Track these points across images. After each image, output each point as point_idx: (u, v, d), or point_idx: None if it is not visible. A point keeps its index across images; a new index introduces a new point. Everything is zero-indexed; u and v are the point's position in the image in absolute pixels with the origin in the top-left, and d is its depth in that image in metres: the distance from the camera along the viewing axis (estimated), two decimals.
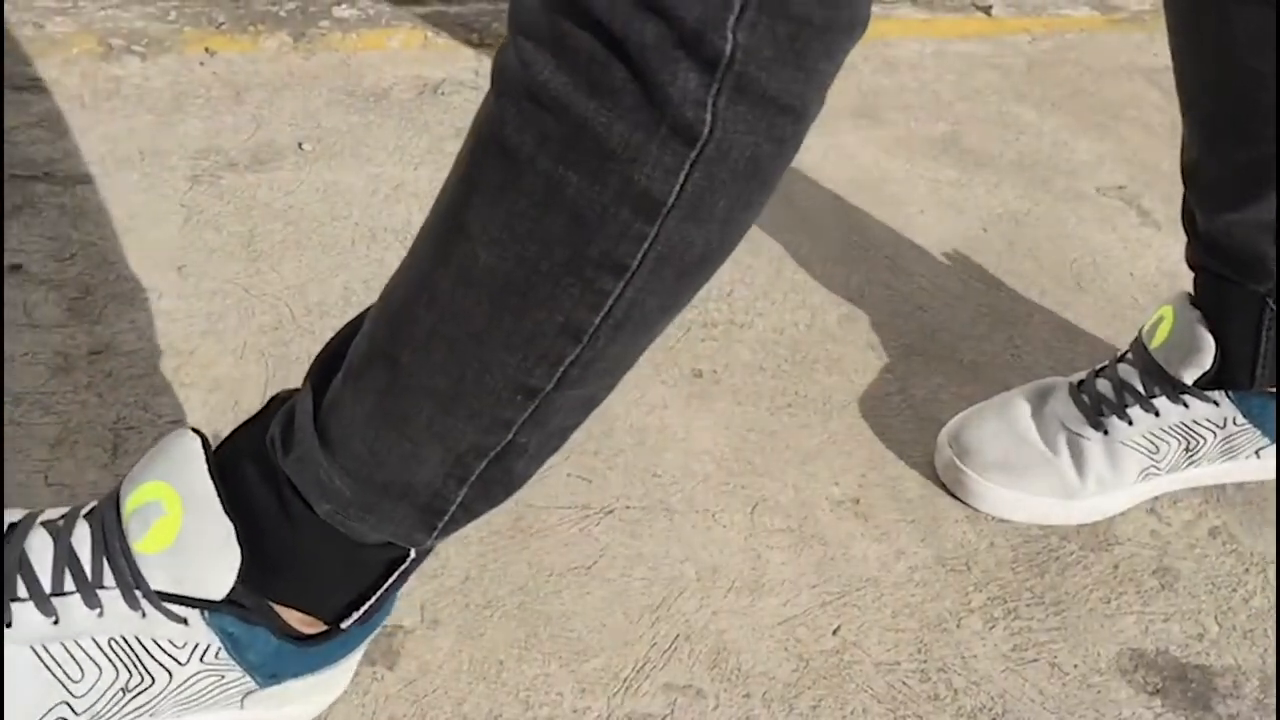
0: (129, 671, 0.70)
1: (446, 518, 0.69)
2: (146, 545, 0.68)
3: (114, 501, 0.71)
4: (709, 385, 1.11)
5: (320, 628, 0.74)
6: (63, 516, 0.72)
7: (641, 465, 1.02)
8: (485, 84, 1.54)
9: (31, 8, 1.44)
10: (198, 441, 0.70)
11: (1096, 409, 1.02)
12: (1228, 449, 1.03)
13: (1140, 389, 1.01)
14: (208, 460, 0.69)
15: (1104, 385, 1.03)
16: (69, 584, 0.69)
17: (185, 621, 0.69)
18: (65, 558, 0.69)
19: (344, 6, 1.54)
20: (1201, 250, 1.01)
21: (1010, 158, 1.52)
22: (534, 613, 0.89)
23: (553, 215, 0.57)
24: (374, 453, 0.66)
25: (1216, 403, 1.01)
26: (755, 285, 1.24)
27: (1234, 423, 1.02)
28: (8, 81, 1.31)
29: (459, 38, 1.55)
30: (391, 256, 1.19)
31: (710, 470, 1.03)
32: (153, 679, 0.71)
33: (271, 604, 0.71)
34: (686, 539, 0.96)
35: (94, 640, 0.69)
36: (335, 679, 0.78)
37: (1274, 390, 1.01)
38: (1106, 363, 1.06)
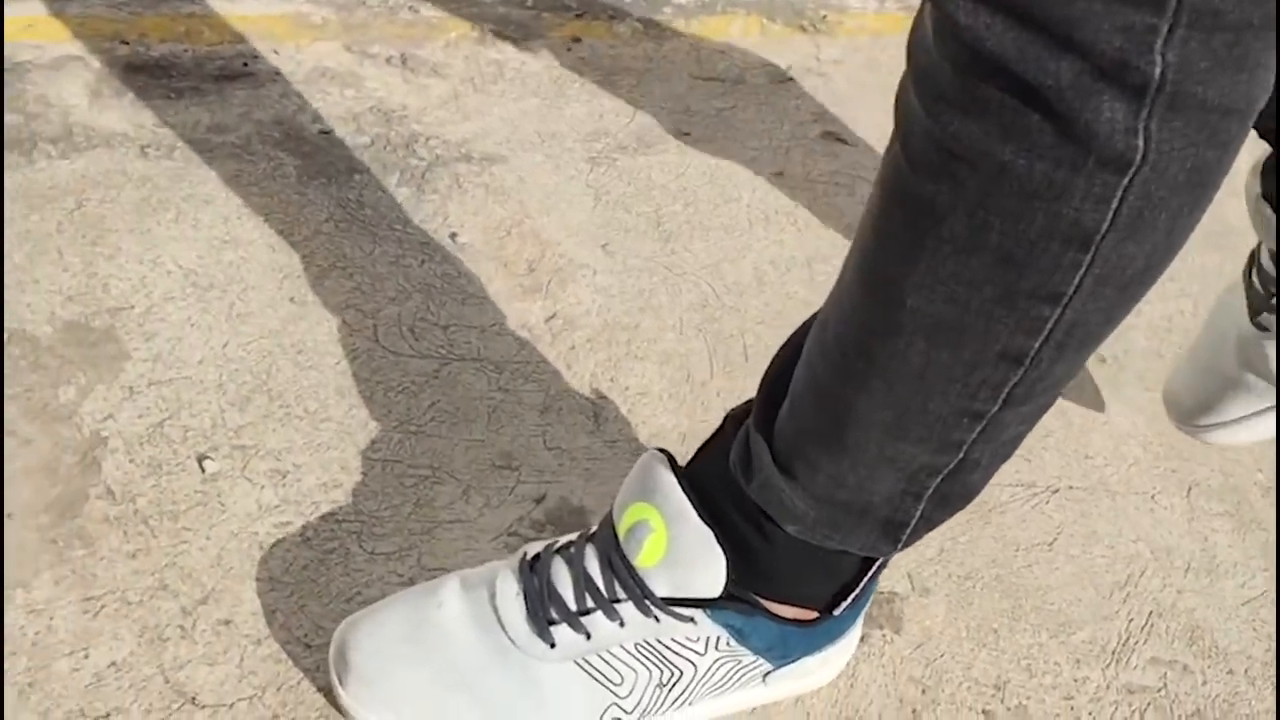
0: (660, 669, 0.77)
1: (909, 530, 0.72)
2: (644, 560, 0.74)
3: (610, 524, 0.77)
4: (1115, 371, 1.14)
5: (814, 614, 0.79)
6: (572, 543, 0.79)
7: (1072, 447, 1.06)
8: (828, 70, 1.57)
9: None
10: (666, 462, 0.76)
11: (1255, 309, 0.98)
12: None
13: (1275, 275, 0.95)
14: (678, 477, 0.75)
15: (1255, 276, 0.99)
16: (590, 602, 0.76)
17: (693, 620, 0.75)
18: (582, 580, 0.76)
19: None
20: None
21: None
22: (1012, 585, 0.94)
23: (977, 258, 0.58)
24: (831, 478, 0.70)
25: None
26: None
27: None
28: (404, 63, 1.38)
29: (792, 25, 1.59)
30: (788, 239, 1.23)
31: (1138, 454, 1.06)
32: (680, 671, 0.77)
33: (764, 601, 0.77)
34: (1133, 519, 1.00)
35: (623, 647, 0.76)
36: (844, 646, 0.84)
37: None
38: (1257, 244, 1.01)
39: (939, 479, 0.69)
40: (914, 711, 0.84)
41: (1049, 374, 0.63)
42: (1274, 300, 0.93)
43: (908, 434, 0.67)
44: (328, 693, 0.79)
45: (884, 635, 0.89)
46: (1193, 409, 1.02)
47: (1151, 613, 0.93)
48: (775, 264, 1.20)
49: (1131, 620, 0.92)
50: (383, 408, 0.98)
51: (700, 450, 0.78)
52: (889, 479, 0.69)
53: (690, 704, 0.78)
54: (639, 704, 0.77)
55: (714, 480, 0.75)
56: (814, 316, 0.74)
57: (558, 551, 0.78)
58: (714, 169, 1.32)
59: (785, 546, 0.74)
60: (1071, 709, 0.86)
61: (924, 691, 0.86)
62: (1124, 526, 0.99)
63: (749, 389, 1.06)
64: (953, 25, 0.54)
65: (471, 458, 0.96)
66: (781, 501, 0.72)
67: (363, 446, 0.95)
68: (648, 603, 0.75)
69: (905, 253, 0.61)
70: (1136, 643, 0.91)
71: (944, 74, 0.55)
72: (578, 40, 1.48)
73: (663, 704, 0.77)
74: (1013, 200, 0.56)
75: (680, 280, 1.16)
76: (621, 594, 0.75)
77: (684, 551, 0.73)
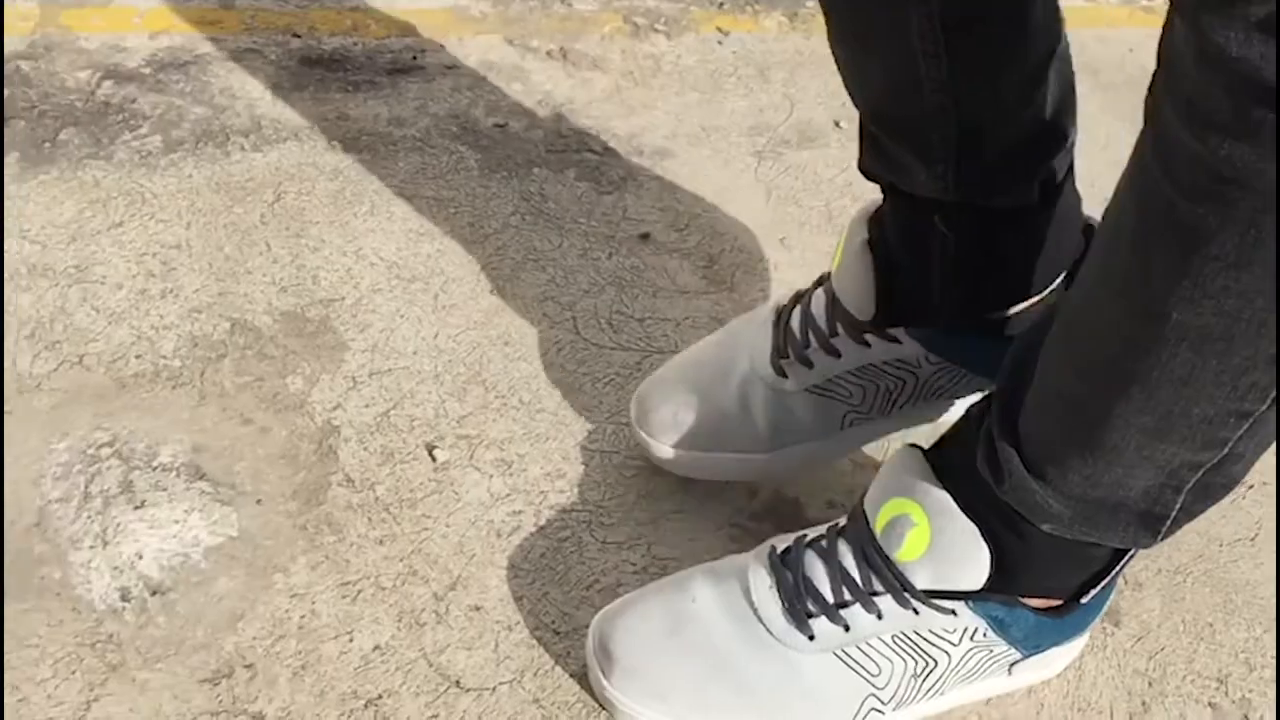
0: (915, 659, 0.78)
1: (1169, 522, 0.73)
2: (906, 553, 0.76)
3: (861, 518, 0.79)
4: None
5: (1057, 602, 0.81)
6: (822, 537, 0.81)
7: None
8: None
9: None
10: (922, 456, 0.78)
11: (780, 350, 0.91)
12: (936, 389, 0.91)
13: (824, 326, 0.90)
14: (936, 473, 0.76)
15: (797, 319, 0.92)
16: (847, 595, 0.78)
17: (953, 612, 0.77)
18: (838, 574, 0.78)
19: None
20: (865, 152, 0.88)
21: None
22: (1221, 580, 0.95)
23: (1249, 272, 0.58)
24: (1085, 478, 0.71)
25: (900, 341, 0.88)
26: None
27: (928, 360, 0.89)
28: (565, 57, 1.40)
29: None
30: None
31: None
32: (935, 662, 0.79)
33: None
34: None
35: (880, 639, 0.78)
36: (1081, 639, 0.85)
37: (967, 322, 0.87)
38: (811, 285, 0.94)
39: (1201, 473, 0.70)
40: (1143, 704, 0.86)
41: None
42: (809, 349, 0.89)
43: (1169, 436, 0.68)
44: (581, 679, 0.81)
45: (1104, 628, 0.90)
46: (667, 426, 0.91)
47: None
48: None
49: None
50: (592, 399, 1.00)
51: (943, 444, 0.80)
52: (1147, 475, 0.70)
53: (941, 694, 0.80)
54: (895, 694, 0.78)
55: (963, 478, 0.77)
56: (1042, 323, 0.76)
57: (809, 545, 0.80)
58: None
59: (1040, 542, 0.75)
60: None
61: (1150, 684, 0.87)
62: None
63: None
64: (1223, 55, 0.54)
65: None
66: (1035, 502, 0.73)
67: (580, 438, 0.97)
68: (907, 595, 0.76)
69: (1168, 270, 0.61)
70: None
71: (1213, 100, 0.55)
72: (726, 33, 1.49)
73: (916, 694, 0.79)
74: None
75: None
76: (879, 587, 0.77)
77: (949, 546, 0.75)
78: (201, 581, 0.82)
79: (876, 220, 0.88)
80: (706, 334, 1.08)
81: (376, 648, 0.81)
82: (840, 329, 0.89)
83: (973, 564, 0.75)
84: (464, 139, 1.25)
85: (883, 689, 0.78)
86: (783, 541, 0.82)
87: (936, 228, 0.84)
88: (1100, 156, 1.39)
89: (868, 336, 0.88)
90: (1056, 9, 0.80)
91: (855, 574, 0.78)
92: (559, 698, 0.80)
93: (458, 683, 0.80)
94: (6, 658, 0.77)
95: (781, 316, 0.93)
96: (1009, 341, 0.85)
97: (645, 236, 1.18)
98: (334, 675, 0.79)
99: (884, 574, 0.77)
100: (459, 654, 0.82)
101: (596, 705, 0.80)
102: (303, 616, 0.82)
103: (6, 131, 1.14)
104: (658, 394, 0.94)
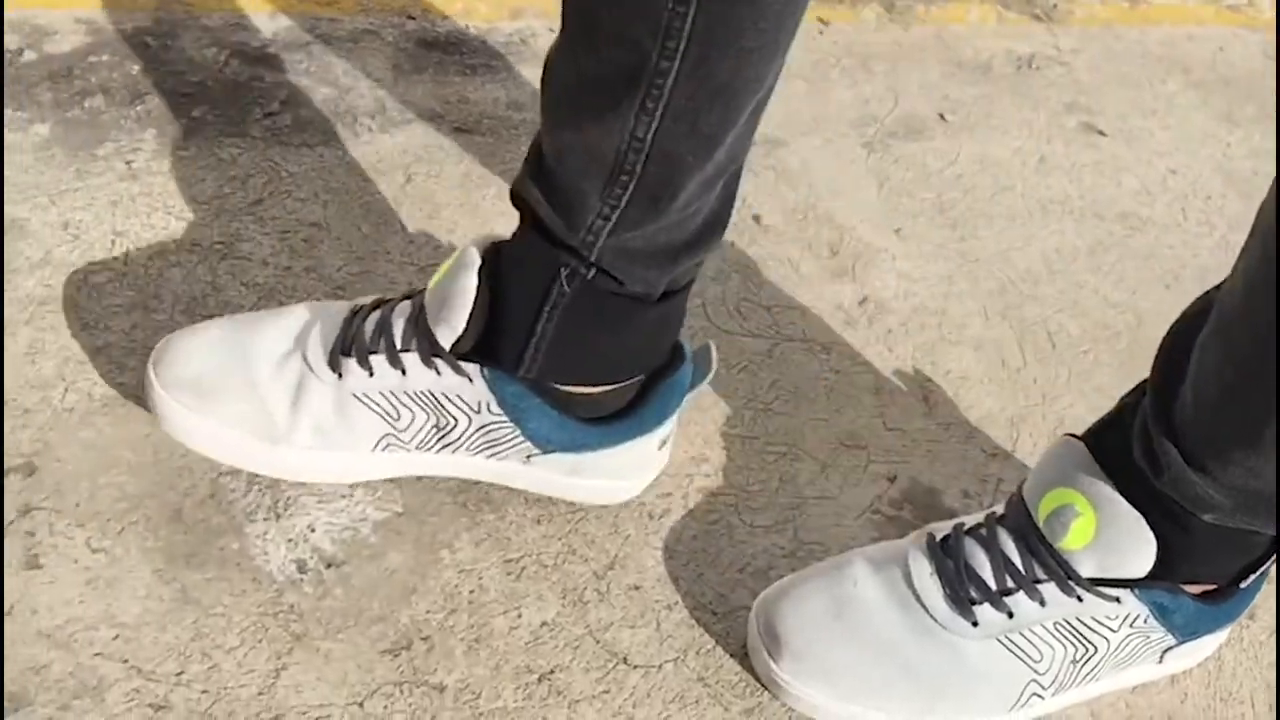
0: (1075, 645, 0.80)
1: None
2: (1070, 542, 0.78)
3: (1021, 507, 0.81)
4: None
5: (1212, 587, 0.82)
6: (981, 525, 0.83)
7: None
8: (1069, 59, 1.58)
9: None
10: (1084, 448, 0.79)
11: (344, 346, 0.85)
12: (488, 442, 0.86)
13: (398, 337, 0.84)
14: (1096, 461, 0.78)
15: (372, 321, 0.86)
16: (1010, 583, 0.79)
17: (1117, 600, 0.79)
18: (1001, 562, 0.80)
19: None
20: (527, 175, 0.82)
21: None
22: None
23: None
24: (1247, 470, 0.73)
25: (470, 379, 0.84)
26: None
27: (489, 409, 0.84)
28: None
29: (1025, 13, 1.61)
30: (1068, 228, 1.26)
31: None
32: (1095, 648, 0.81)
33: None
34: None
35: (1042, 625, 0.80)
36: (1229, 626, 0.87)
37: (541, 385, 0.84)
38: (399, 295, 0.88)
39: None
40: None
41: None
42: (374, 355, 0.84)
43: None
44: (742, 658, 0.83)
45: (1241, 622, 0.92)
46: (184, 383, 0.85)
47: None
48: (1060, 253, 1.23)
49: None
50: (728, 385, 1.02)
51: (1098, 433, 0.81)
52: None
53: (1097, 679, 0.82)
54: (1055, 679, 0.80)
55: (1121, 468, 0.78)
56: (1193, 319, 0.77)
57: (968, 533, 0.82)
58: (983, 157, 1.34)
59: (1201, 530, 0.77)
60: None
61: None
62: None
63: (1063, 376, 1.10)
64: None
65: (821, 436, 0.99)
66: (1196, 494, 0.75)
67: (720, 423, 0.99)
68: (1071, 583, 0.78)
69: None
70: None
71: None
72: (826, 23, 1.50)
73: (1074, 679, 0.81)
74: None
75: (975, 267, 1.20)
76: (1042, 575, 0.79)
77: (1116, 536, 0.77)
78: (373, 555, 0.84)
79: (495, 250, 0.82)
80: (834, 323, 1.10)
81: (544, 623, 0.83)
82: (414, 345, 0.83)
83: (1139, 553, 0.77)
84: None
85: (1044, 674, 0.80)
86: (940, 529, 0.84)
87: (559, 281, 0.80)
88: (1198, 153, 1.41)
89: (439, 363, 0.83)
90: (757, 123, 0.79)
91: (1018, 562, 0.80)
92: (723, 677, 0.82)
93: (625, 659, 0.82)
94: (195, 624, 0.79)
95: (358, 314, 0.87)
96: (571, 418, 0.85)
97: (766, 225, 1.19)
98: (506, 649, 0.81)
99: (1047, 562, 0.79)
100: (623, 631, 0.84)
101: (759, 685, 0.82)
102: (471, 591, 0.84)
103: (142, 107, 1.16)
104: (188, 347, 0.87)
